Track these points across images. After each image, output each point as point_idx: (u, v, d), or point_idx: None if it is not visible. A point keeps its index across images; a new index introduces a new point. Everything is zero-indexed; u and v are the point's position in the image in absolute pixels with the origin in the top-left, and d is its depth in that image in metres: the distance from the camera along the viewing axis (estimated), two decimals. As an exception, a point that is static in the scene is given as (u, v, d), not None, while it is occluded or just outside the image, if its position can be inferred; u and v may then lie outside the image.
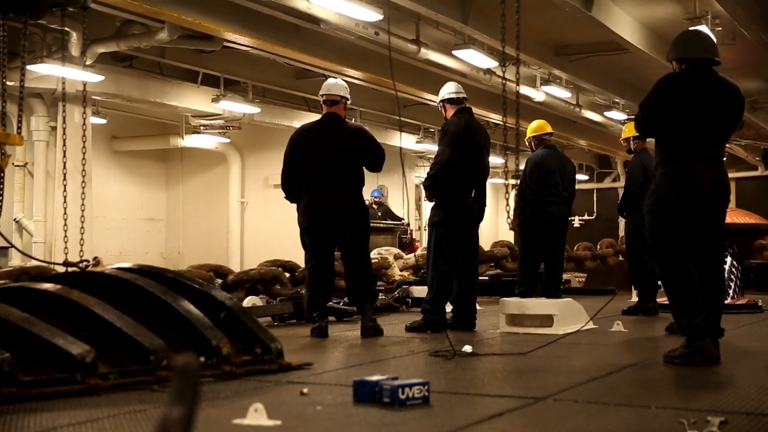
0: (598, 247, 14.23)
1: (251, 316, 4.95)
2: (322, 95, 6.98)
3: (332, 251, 6.88)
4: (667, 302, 8.87)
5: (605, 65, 15.63)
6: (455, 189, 7.06)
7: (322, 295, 6.81)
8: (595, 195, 27.38)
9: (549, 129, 9.12)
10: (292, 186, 6.83)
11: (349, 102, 7.03)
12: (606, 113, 18.62)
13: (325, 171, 6.70)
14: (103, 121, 15.91)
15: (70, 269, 5.00)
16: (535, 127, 9.10)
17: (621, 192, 9.51)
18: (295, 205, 6.90)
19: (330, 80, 7.23)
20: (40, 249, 12.12)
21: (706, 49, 5.09)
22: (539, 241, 8.65)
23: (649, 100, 5.02)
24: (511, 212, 8.88)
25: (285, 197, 7.01)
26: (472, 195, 7.14)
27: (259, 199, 18.94)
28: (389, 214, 17.06)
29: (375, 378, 3.67)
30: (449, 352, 5.26)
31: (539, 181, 8.61)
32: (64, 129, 7.03)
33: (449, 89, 7.34)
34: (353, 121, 9.42)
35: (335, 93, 6.91)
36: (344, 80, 7.12)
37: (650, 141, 9.71)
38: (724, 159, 5.33)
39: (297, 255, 9.34)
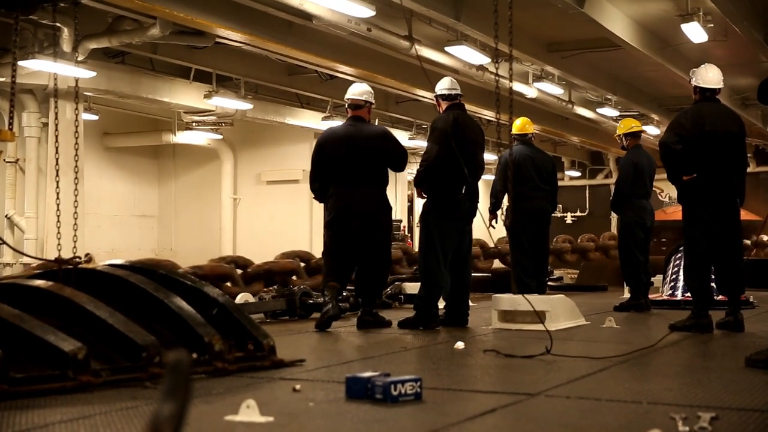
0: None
1: (243, 312, 4.94)
2: (347, 99, 7.33)
3: (352, 247, 7.01)
4: (660, 298, 9.02)
5: (597, 62, 15.65)
6: (445, 185, 7.05)
7: (335, 278, 6.93)
8: (587, 191, 27.45)
9: (527, 130, 9.17)
10: (320, 187, 7.15)
11: (373, 106, 7.39)
12: (598, 110, 18.65)
13: (351, 173, 7.01)
14: (95, 118, 15.85)
15: (62, 266, 4.98)
16: (518, 125, 9.12)
17: (613, 189, 9.53)
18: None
19: (355, 85, 7.54)
20: (31, 246, 12.07)
21: None
22: (524, 236, 8.69)
23: None
24: (503, 212, 8.97)
25: (314, 197, 7.38)
26: (463, 191, 7.13)
27: (251, 196, 18.90)
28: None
29: (367, 374, 3.67)
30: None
31: (512, 176, 8.64)
32: (56, 125, 7.02)
33: (442, 85, 7.34)
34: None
35: (358, 98, 7.26)
36: (337, 77, 7.16)
37: (644, 138, 9.77)
38: None
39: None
